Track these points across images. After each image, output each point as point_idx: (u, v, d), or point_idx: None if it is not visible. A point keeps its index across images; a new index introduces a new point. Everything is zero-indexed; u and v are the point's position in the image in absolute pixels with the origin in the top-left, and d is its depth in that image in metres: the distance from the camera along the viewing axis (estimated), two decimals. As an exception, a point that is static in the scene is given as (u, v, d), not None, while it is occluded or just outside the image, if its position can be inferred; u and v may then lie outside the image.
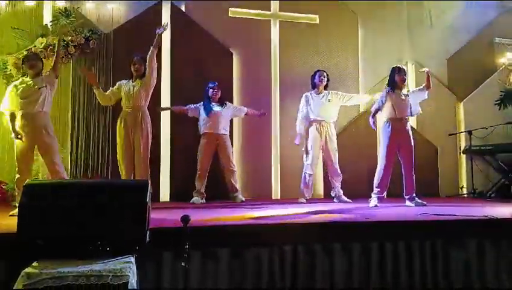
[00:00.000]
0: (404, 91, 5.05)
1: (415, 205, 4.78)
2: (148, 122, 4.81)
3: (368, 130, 5.32)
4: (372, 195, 4.94)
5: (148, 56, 4.70)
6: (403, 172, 4.95)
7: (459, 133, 6.84)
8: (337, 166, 5.47)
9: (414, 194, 4.90)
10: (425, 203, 4.80)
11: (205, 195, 5.37)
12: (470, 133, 6.34)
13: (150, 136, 4.82)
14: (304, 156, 5.51)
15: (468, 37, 7.15)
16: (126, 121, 4.75)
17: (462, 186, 6.79)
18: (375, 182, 4.97)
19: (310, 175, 5.45)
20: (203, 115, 5.44)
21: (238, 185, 5.51)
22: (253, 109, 5.72)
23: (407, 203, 4.89)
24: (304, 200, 5.37)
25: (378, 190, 4.91)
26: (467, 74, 6.99)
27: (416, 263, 3.25)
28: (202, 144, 5.43)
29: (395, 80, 5.00)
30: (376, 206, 4.77)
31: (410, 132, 5.02)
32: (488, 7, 7.23)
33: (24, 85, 4.26)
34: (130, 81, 4.83)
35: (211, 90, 5.45)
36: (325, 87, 5.57)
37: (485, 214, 3.66)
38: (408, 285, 3.23)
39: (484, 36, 7.19)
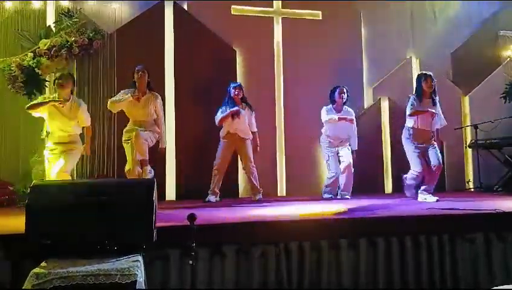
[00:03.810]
0: (435, 100, 4.85)
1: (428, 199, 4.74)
2: (156, 132, 4.73)
3: (373, 126, 5.27)
4: (422, 193, 4.85)
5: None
6: (431, 167, 4.86)
7: (465, 127, 6.81)
8: (350, 168, 5.36)
9: (431, 191, 4.86)
10: (437, 198, 4.76)
11: (219, 193, 5.35)
12: (475, 127, 6.29)
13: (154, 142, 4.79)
14: (326, 166, 5.51)
15: (472, 31, 7.11)
16: (135, 136, 4.63)
17: (469, 181, 6.76)
18: (422, 183, 4.89)
19: (333, 177, 5.40)
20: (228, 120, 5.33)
21: (257, 184, 5.42)
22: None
23: (421, 196, 4.84)
24: (331, 196, 5.38)
25: (426, 186, 4.84)
26: (472, 67, 6.94)
27: (423, 257, 3.25)
28: (222, 143, 5.37)
29: (422, 88, 4.80)
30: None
31: (436, 144, 4.90)
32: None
33: (62, 110, 4.21)
34: (136, 91, 4.73)
35: (233, 90, 5.35)
36: (344, 103, 5.47)
37: (492, 208, 3.64)
38: (415, 279, 3.23)
39: (488, 29, 7.14)
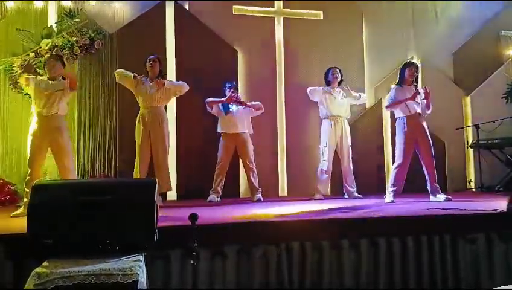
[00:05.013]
0: (417, 88, 4.92)
1: (444, 200, 4.67)
2: (166, 123, 4.83)
3: (375, 126, 5.28)
4: (388, 192, 4.85)
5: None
6: (424, 168, 4.86)
7: (466, 127, 6.80)
8: (350, 163, 5.47)
9: (439, 188, 4.85)
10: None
11: (221, 193, 5.35)
12: (477, 127, 6.28)
13: (169, 138, 4.85)
14: (320, 152, 5.49)
15: (474, 31, 7.09)
16: (144, 122, 4.75)
17: (470, 181, 6.75)
18: (391, 179, 4.87)
19: (326, 171, 5.42)
20: (221, 114, 5.39)
21: (257, 184, 5.42)
22: (258, 105, 5.68)
23: (433, 197, 4.80)
24: (321, 197, 5.37)
25: (395, 189, 4.80)
26: (473, 67, 6.93)
27: (424, 258, 3.24)
28: (221, 143, 5.40)
29: (405, 74, 4.93)
30: (393, 202, 4.69)
31: (426, 128, 4.91)
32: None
33: (43, 85, 4.23)
34: (148, 80, 4.83)
35: (227, 90, 5.39)
36: (339, 83, 5.57)
37: (493, 208, 3.63)
38: (416, 279, 3.22)
39: (490, 29, 7.13)
